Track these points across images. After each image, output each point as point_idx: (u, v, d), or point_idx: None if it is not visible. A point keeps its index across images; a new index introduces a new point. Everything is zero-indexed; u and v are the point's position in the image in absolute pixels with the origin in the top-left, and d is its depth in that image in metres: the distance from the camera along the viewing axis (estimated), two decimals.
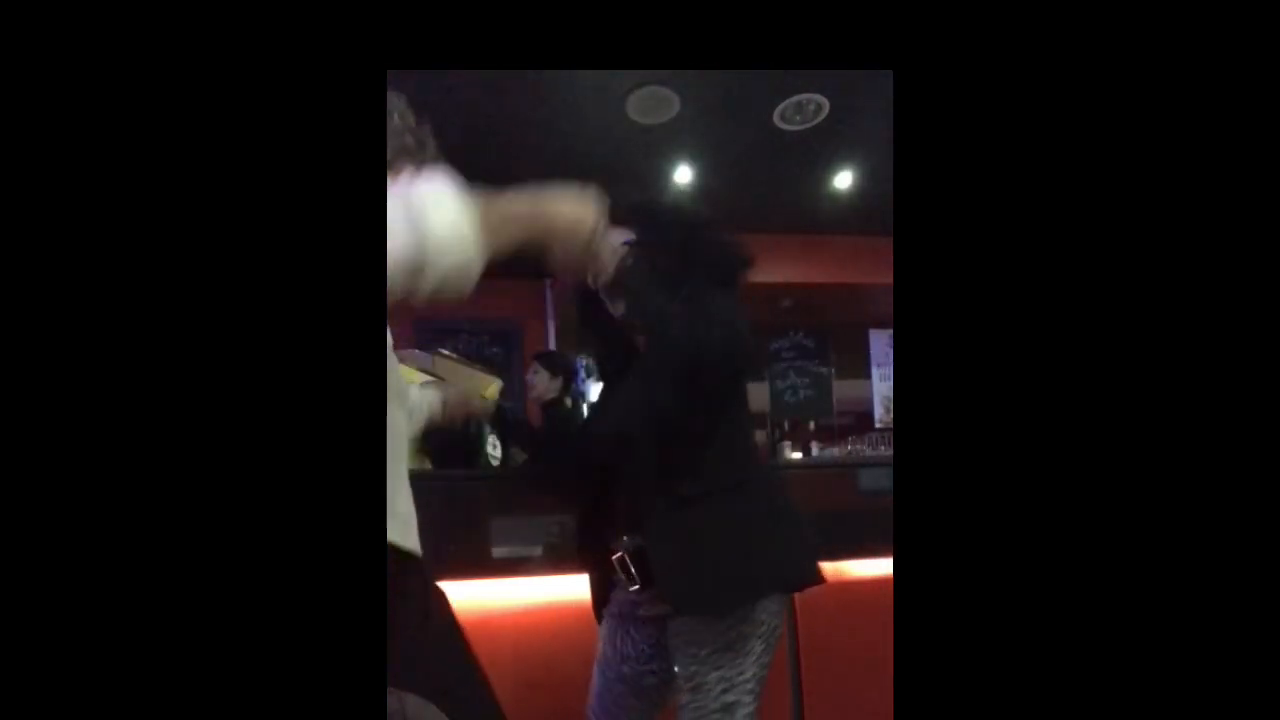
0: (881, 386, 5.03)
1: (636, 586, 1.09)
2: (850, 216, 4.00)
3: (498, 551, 1.60)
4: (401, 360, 1.83)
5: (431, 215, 0.65)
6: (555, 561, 1.56)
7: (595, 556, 1.18)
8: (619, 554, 1.11)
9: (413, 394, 0.93)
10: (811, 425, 5.25)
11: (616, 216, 1.12)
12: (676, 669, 1.05)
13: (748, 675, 1.01)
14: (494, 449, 2.07)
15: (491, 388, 2.14)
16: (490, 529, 1.60)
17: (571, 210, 0.79)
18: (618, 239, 1.10)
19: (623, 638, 1.16)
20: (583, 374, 3.44)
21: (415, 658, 0.76)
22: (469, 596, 1.65)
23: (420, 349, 2.09)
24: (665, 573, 1.01)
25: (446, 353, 2.07)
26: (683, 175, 3.53)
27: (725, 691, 0.99)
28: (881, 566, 1.87)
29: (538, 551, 1.65)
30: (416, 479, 0.83)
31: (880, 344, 5.05)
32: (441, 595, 1.11)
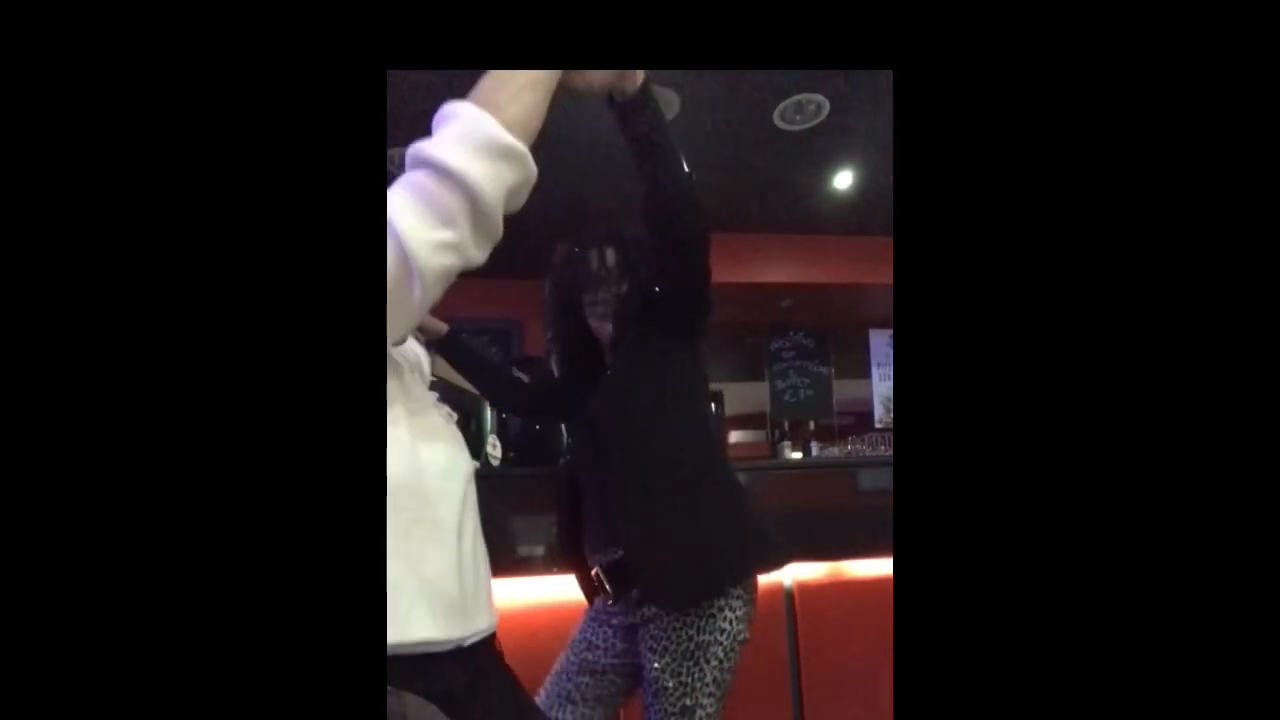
0: (881, 386, 5.03)
1: (610, 601, 1.16)
2: (850, 216, 4.00)
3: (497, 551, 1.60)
4: None
5: (470, 148, 0.63)
6: (558, 561, 1.56)
7: (578, 561, 1.25)
8: (594, 569, 1.18)
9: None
10: (811, 425, 5.24)
11: (600, 234, 1.25)
12: (643, 674, 1.12)
13: (707, 680, 1.07)
14: (494, 448, 2.07)
15: None
16: (489, 528, 1.59)
17: (536, 72, 0.73)
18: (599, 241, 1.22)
19: (595, 630, 1.23)
20: None
21: None
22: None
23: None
24: (641, 574, 1.08)
25: None
26: None
27: (683, 696, 1.06)
28: (881, 566, 1.88)
29: (539, 551, 1.65)
30: None
31: (880, 344, 5.04)
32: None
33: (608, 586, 1.15)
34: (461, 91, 0.70)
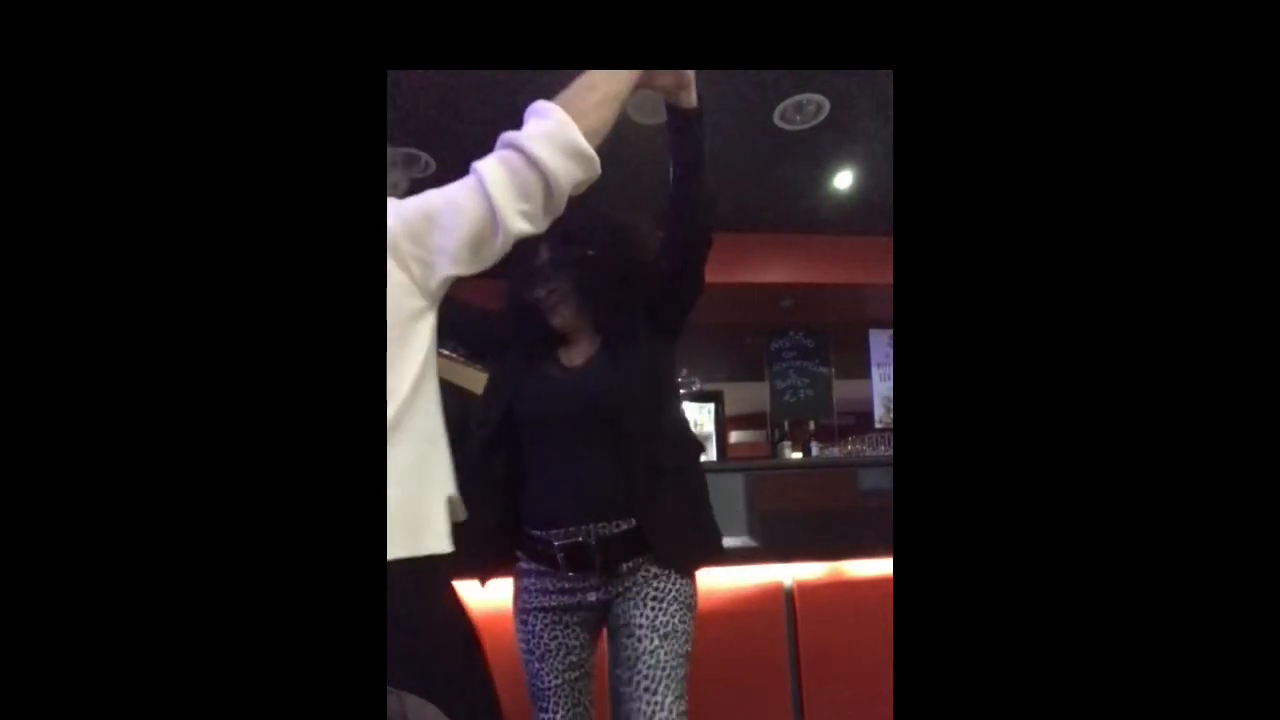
0: (881, 386, 5.03)
1: (586, 573, 1.20)
2: (850, 216, 4.00)
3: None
4: None
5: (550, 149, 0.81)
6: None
7: (502, 546, 1.28)
8: (578, 541, 1.18)
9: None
10: (811, 425, 5.24)
11: (570, 232, 1.24)
12: (641, 622, 1.18)
13: (692, 630, 1.21)
14: None
15: None
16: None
17: (614, 74, 0.89)
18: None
19: (563, 631, 1.24)
20: None
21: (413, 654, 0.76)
22: (465, 597, 1.65)
23: None
24: (657, 541, 1.19)
25: (446, 352, 2.07)
26: None
27: (687, 641, 1.19)
28: (881, 566, 1.88)
29: None
30: None
31: (880, 344, 5.04)
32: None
33: (597, 558, 1.18)
34: (462, 90, 0.70)
